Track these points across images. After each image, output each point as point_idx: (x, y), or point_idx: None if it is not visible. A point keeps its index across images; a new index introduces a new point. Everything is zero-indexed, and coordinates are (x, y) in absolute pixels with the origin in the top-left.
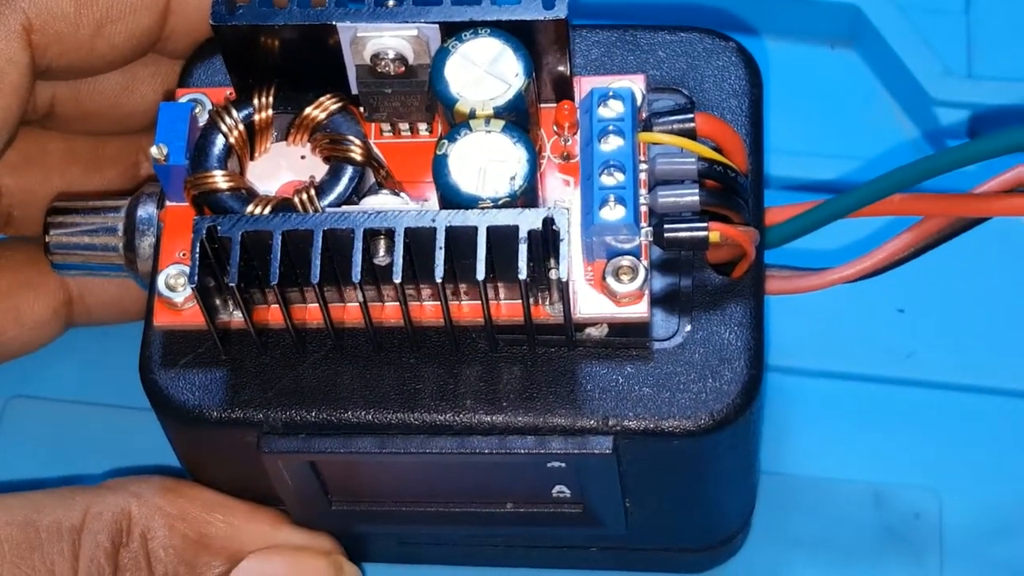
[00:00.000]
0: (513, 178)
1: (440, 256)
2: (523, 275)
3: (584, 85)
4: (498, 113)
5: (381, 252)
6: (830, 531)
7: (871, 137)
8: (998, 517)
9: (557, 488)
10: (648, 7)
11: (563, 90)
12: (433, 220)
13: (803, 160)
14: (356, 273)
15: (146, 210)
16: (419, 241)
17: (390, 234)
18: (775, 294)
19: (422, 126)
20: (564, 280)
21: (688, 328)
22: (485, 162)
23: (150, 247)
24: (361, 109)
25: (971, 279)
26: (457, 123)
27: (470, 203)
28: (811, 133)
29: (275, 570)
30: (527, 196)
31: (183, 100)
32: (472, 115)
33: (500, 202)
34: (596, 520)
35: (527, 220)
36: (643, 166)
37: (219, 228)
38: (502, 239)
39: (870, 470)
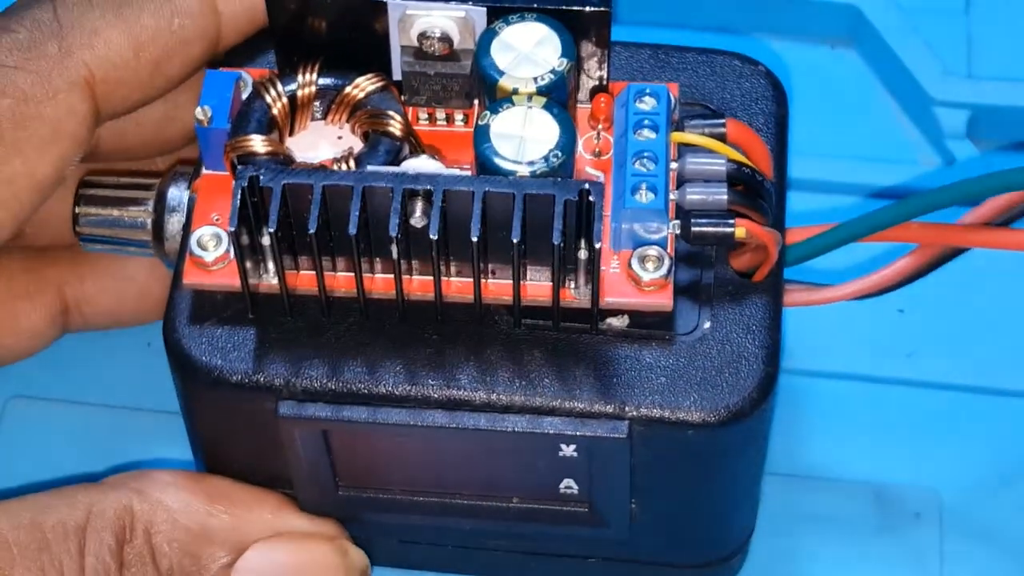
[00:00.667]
0: (552, 150)
1: (477, 218)
2: (558, 240)
3: (616, 91)
4: (540, 92)
5: (418, 213)
6: (830, 530)
7: (871, 137)
8: (998, 517)
9: (565, 483)
10: (648, 7)
11: (598, 90)
12: (471, 184)
13: (803, 160)
14: (393, 227)
15: (177, 189)
16: (456, 204)
17: (428, 196)
18: (785, 306)
19: (458, 116)
20: (598, 247)
21: (708, 324)
22: (525, 134)
23: (179, 223)
24: (402, 96)
25: (971, 279)
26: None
27: (507, 173)
28: (811, 133)
29: (280, 558)
30: (563, 171)
31: None
32: (515, 92)
33: (537, 173)
34: (601, 520)
35: (564, 190)
36: (673, 165)
37: (261, 178)
38: (536, 210)
39: (870, 470)
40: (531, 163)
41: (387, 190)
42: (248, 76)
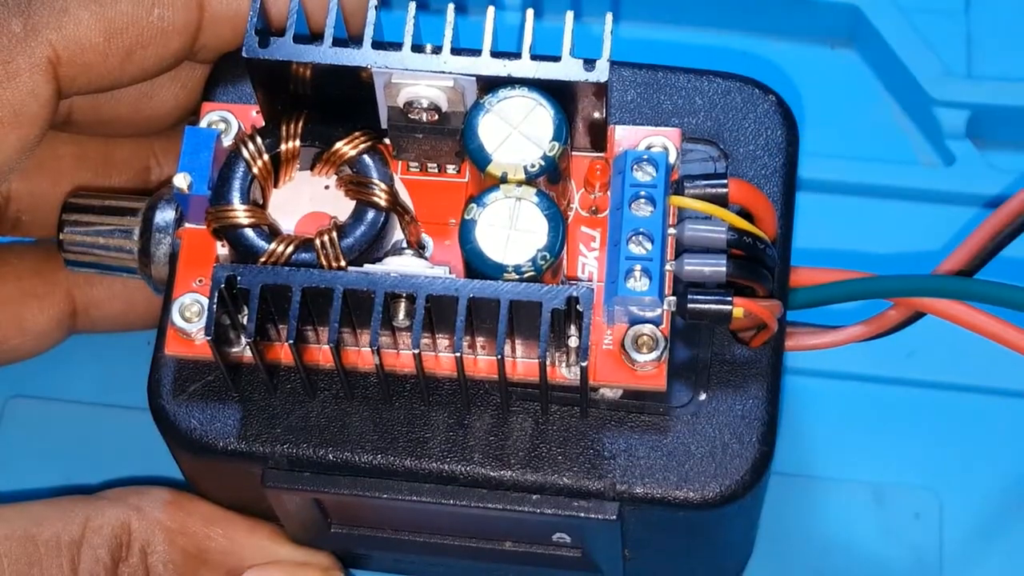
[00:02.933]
0: (540, 251)
1: (460, 325)
2: (543, 357)
3: (619, 135)
4: (530, 178)
5: (401, 315)
6: (830, 531)
7: (871, 137)
8: (998, 517)
9: (558, 535)
10: (649, 5)
11: (597, 140)
12: (456, 290)
13: (803, 160)
14: (373, 339)
15: (163, 216)
16: (440, 306)
17: (411, 298)
18: (788, 350)
19: (450, 166)
20: (584, 363)
21: (703, 397)
22: (513, 230)
23: (165, 256)
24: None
25: None
26: (487, 185)
27: (494, 271)
28: (811, 133)
29: None
30: (552, 268)
31: (208, 120)
32: (503, 179)
33: (524, 273)
34: (594, 566)
35: (551, 298)
36: (671, 230)
37: (239, 279)
38: (524, 304)
39: (870, 470)
40: (519, 261)
41: (369, 293)
42: (232, 117)
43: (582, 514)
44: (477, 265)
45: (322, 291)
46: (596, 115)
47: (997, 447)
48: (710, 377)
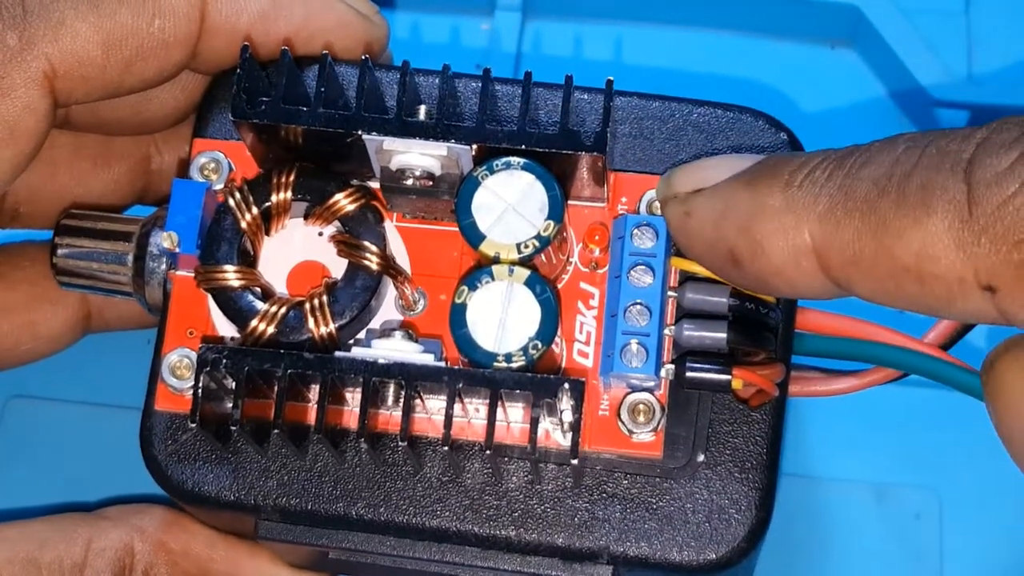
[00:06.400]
0: (532, 340)
1: (449, 415)
2: (533, 442)
3: (618, 185)
4: (524, 260)
5: (390, 401)
6: (830, 531)
7: (871, 137)
8: (998, 517)
9: None
10: (650, 6)
11: (597, 189)
12: (445, 381)
13: None
14: (360, 430)
15: (157, 242)
16: (430, 389)
17: (400, 384)
18: (795, 396)
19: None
20: (574, 461)
21: (701, 458)
22: (504, 317)
23: (159, 283)
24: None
25: None
26: (480, 265)
27: (485, 360)
28: (811, 133)
29: None
30: (542, 355)
31: (198, 164)
32: (496, 260)
33: (515, 362)
34: None
35: (542, 390)
36: (672, 293)
37: (224, 364)
38: None
39: (870, 470)
40: (511, 350)
41: (356, 380)
42: (223, 157)
43: None
44: (467, 352)
45: (310, 377)
46: (594, 180)
47: (997, 447)
48: (708, 437)
